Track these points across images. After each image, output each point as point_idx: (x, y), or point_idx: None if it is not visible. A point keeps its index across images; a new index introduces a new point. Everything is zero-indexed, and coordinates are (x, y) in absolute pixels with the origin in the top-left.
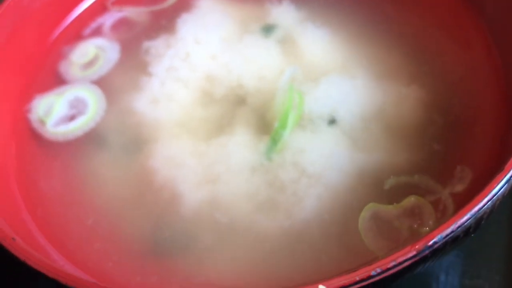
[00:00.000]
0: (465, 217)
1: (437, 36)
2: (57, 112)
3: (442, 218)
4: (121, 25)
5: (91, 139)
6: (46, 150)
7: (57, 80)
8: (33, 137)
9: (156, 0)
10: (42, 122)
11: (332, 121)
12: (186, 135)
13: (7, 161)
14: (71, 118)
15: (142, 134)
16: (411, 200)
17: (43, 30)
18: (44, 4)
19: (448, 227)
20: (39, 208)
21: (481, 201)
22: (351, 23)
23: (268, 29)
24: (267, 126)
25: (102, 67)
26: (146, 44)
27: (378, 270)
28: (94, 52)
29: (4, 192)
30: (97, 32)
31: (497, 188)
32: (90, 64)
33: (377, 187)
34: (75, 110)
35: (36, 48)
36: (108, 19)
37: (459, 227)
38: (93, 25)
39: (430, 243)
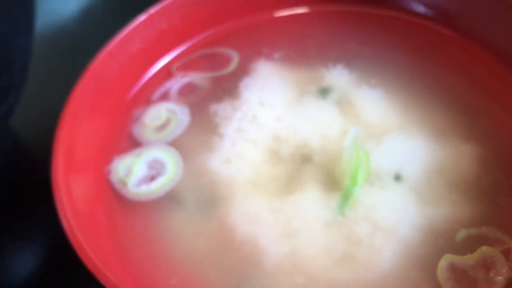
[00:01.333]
0: None
1: (484, 97)
2: (137, 173)
3: None
4: (187, 89)
5: (170, 198)
6: (129, 209)
7: (133, 143)
8: (116, 197)
9: (217, 66)
10: (124, 183)
11: (397, 177)
12: (259, 193)
13: (99, 223)
14: (151, 178)
15: (217, 192)
16: (482, 250)
17: (117, 96)
18: (118, 73)
19: None
20: (132, 266)
21: None
22: (404, 83)
23: (324, 92)
24: (335, 182)
25: (175, 129)
26: (213, 107)
27: None
28: (166, 115)
29: (101, 253)
30: (165, 96)
31: None
32: (163, 126)
33: (449, 240)
34: (154, 171)
35: (111, 114)
36: (174, 84)
37: None
38: (161, 89)
39: None
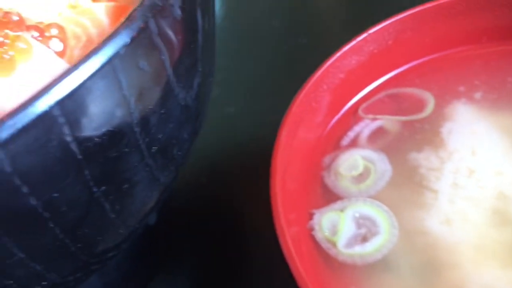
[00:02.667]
0: None
1: None
2: (345, 232)
3: None
4: (377, 134)
5: (384, 261)
6: (340, 272)
7: (329, 194)
8: (323, 257)
9: (408, 108)
10: (332, 243)
11: None
12: (489, 261)
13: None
14: (363, 238)
15: (438, 257)
16: None
17: (306, 141)
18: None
19: None
20: None
21: None
22: None
23: None
24: None
25: (376, 181)
26: (413, 155)
27: None
28: (363, 164)
29: None
30: (355, 142)
31: None
32: (362, 177)
33: None
34: (364, 229)
35: (301, 163)
36: (364, 128)
37: None
38: (350, 134)
39: None
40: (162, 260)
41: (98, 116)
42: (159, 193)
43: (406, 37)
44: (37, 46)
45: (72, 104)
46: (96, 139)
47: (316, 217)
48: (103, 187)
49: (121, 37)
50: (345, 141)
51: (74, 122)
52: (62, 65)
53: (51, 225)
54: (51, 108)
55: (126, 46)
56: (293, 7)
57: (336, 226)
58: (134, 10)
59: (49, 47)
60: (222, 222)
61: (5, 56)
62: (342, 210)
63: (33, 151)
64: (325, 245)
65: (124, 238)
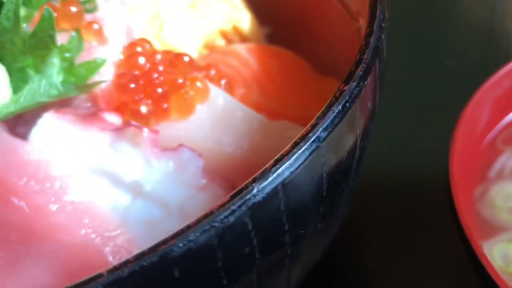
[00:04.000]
0: None
1: None
2: None
3: None
4: None
5: None
6: None
7: (487, 226)
8: None
9: None
10: (508, 274)
11: None
12: None
13: None
14: None
15: None
16: None
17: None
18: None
19: None
20: None
21: None
22: None
23: None
24: None
25: None
26: None
27: None
28: None
29: None
30: (501, 174)
31: None
32: None
33: None
34: None
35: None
36: (508, 160)
37: None
38: (496, 166)
39: None
40: None
41: None
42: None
43: None
44: (212, 87)
45: None
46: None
47: (485, 248)
48: None
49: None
50: (493, 173)
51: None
52: (236, 105)
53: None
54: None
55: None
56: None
57: (508, 256)
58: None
59: (220, 87)
60: None
61: (186, 96)
62: (510, 241)
63: (299, 190)
64: (504, 276)
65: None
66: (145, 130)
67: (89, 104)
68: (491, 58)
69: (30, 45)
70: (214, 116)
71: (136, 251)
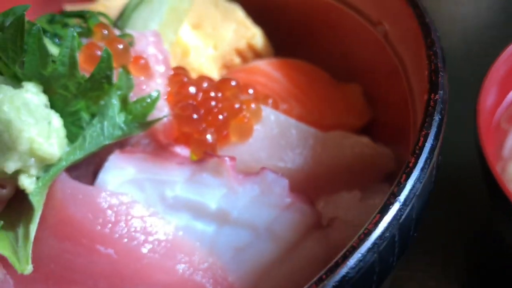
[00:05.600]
0: None
1: None
2: None
3: None
4: None
5: None
6: None
7: None
8: None
9: None
10: None
11: None
12: None
13: None
14: None
15: None
16: None
17: None
18: None
19: None
20: None
21: None
22: None
23: None
24: None
25: None
26: None
27: None
28: None
29: None
30: None
31: None
32: None
33: None
34: None
35: None
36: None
37: None
38: (507, 145)
39: None
40: None
41: None
42: None
43: None
44: (264, 108)
45: None
46: None
47: None
48: None
49: None
50: (506, 152)
51: None
52: (289, 122)
53: None
54: None
55: None
56: None
57: None
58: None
59: (268, 106)
60: None
61: (245, 120)
62: None
63: None
64: None
65: None
66: (227, 159)
67: (148, 140)
68: None
69: (84, 88)
70: (271, 135)
71: (231, 277)
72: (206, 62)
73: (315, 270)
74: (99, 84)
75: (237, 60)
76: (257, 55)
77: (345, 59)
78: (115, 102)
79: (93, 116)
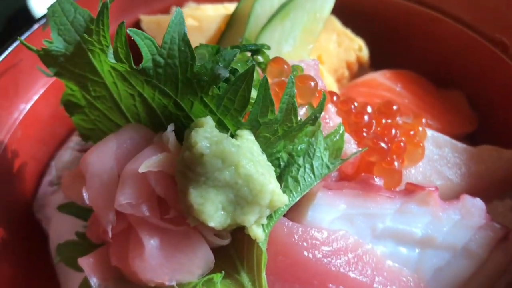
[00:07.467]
0: None
1: None
2: None
3: None
4: None
5: None
6: None
7: None
8: None
9: None
10: None
11: None
12: None
13: None
14: None
15: None
16: None
17: None
18: None
19: None
20: None
21: None
22: None
23: None
24: None
25: None
26: None
27: None
28: None
29: None
30: None
31: None
32: None
33: None
34: None
35: None
36: None
37: None
38: None
39: None
40: None
41: None
42: None
43: None
44: (426, 129)
45: None
46: None
47: None
48: None
49: None
50: None
51: None
52: (444, 139)
53: None
54: None
55: None
56: None
57: None
58: None
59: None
60: None
61: (421, 145)
62: None
63: None
64: None
65: None
66: (433, 188)
67: (337, 173)
68: None
69: (291, 130)
70: (431, 154)
71: None
72: (327, 77)
73: (498, 278)
74: (305, 126)
75: (346, 73)
76: (362, 67)
77: (445, 67)
78: (321, 139)
79: (290, 155)
